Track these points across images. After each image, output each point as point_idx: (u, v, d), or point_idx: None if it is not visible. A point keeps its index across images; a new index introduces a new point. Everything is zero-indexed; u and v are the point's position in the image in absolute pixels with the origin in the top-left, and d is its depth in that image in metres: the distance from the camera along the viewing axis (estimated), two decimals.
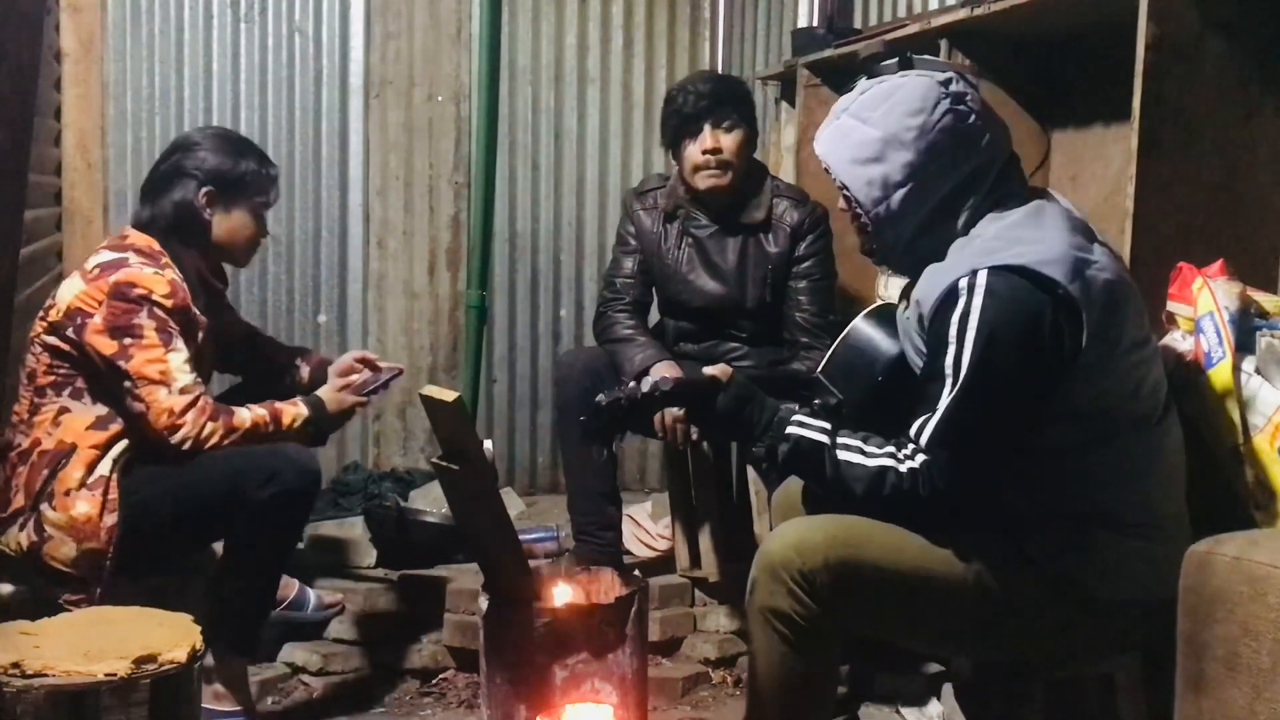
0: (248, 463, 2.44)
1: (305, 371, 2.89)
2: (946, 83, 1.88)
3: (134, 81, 3.83)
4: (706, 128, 2.89)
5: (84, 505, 2.41)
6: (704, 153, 2.90)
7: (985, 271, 1.77)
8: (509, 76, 4.09)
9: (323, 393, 2.67)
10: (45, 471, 2.42)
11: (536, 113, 4.21)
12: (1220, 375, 1.99)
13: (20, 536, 2.42)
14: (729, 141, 2.90)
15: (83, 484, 2.41)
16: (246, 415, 2.49)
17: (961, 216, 1.88)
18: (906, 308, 1.97)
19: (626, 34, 4.28)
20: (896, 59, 1.94)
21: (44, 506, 2.42)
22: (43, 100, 3.24)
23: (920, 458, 1.79)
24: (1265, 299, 2.07)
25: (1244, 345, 1.99)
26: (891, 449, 1.83)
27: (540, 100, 4.21)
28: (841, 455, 1.85)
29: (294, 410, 2.56)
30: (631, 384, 1.99)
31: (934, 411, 1.78)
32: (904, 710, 2.70)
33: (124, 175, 3.83)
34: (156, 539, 2.47)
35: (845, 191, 1.94)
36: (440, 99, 4.08)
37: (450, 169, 4.11)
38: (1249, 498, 1.95)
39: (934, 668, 2.72)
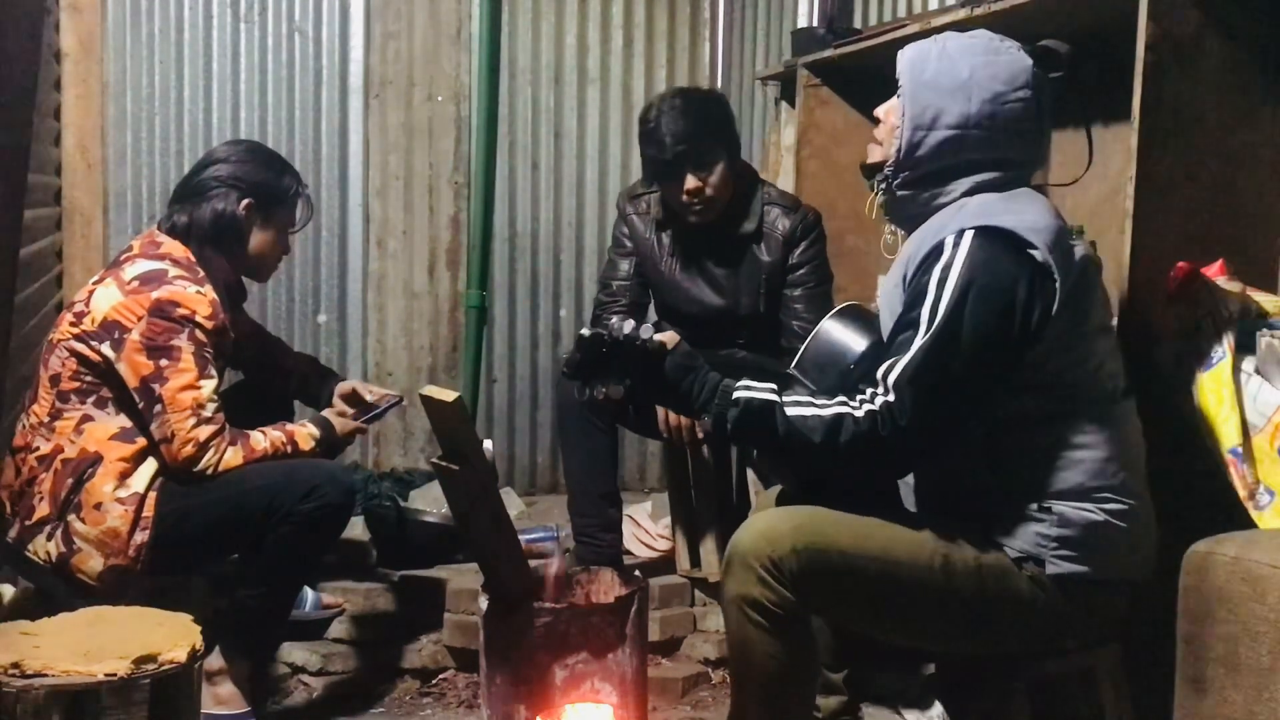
0: (288, 476, 2.46)
1: (314, 383, 2.91)
2: (1040, 78, 1.95)
3: (134, 81, 3.83)
4: (688, 174, 2.84)
5: (114, 520, 2.41)
6: (687, 193, 2.87)
7: (971, 231, 1.85)
8: (509, 76, 4.09)
9: (329, 414, 2.71)
10: (70, 480, 2.42)
11: (536, 113, 4.21)
12: (1220, 375, 1.99)
13: (49, 546, 2.43)
14: (712, 179, 2.86)
15: (114, 498, 2.42)
16: (264, 441, 2.51)
17: (963, 186, 1.96)
18: (899, 262, 2.01)
19: (626, 34, 4.28)
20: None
21: (72, 518, 2.41)
22: (43, 100, 3.24)
23: (880, 400, 1.82)
24: (1265, 299, 2.07)
25: (1244, 345, 1.99)
26: (843, 398, 1.86)
27: (540, 100, 4.20)
28: (791, 411, 1.86)
29: (306, 432, 2.60)
30: (614, 320, 1.97)
31: (904, 354, 1.83)
32: (904, 710, 2.70)
33: (124, 175, 3.83)
34: (186, 548, 2.48)
35: (897, 99, 2.00)
36: (440, 99, 4.08)
37: (450, 169, 4.11)
38: (1249, 498, 1.95)
39: (934, 668, 2.72)
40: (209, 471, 2.44)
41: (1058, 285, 1.82)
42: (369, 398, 2.86)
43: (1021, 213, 1.88)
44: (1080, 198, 2.82)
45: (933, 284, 1.84)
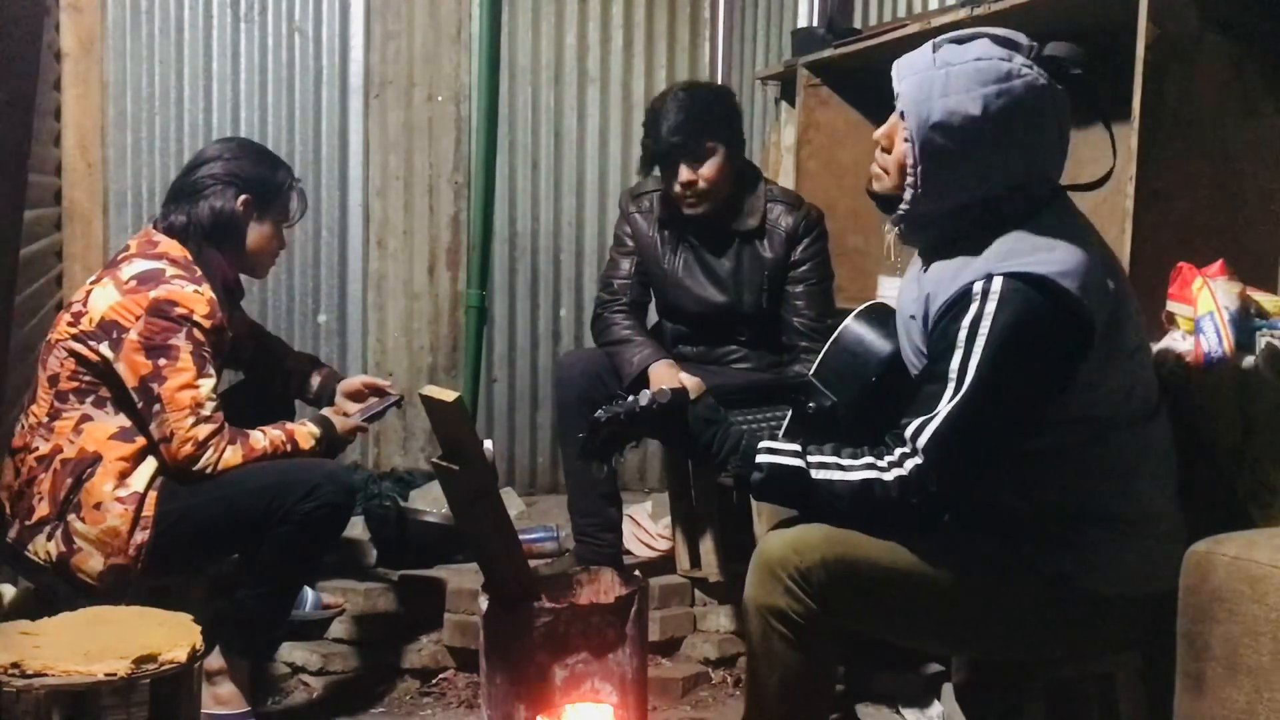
0: (287, 476, 2.47)
1: (316, 383, 2.90)
2: (1055, 92, 1.83)
3: (134, 81, 3.83)
4: (682, 166, 2.87)
5: (114, 519, 2.41)
6: (681, 184, 2.89)
7: (1000, 278, 1.75)
8: (509, 76, 4.09)
9: (329, 413, 2.71)
10: (69, 480, 2.42)
11: (536, 113, 4.20)
12: (1220, 375, 1.99)
13: (49, 546, 2.42)
14: (706, 170, 2.88)
15: (114, 497, 2.41)
16: (263, 440, 2.51)
17: (993, 215, 1.84)
18: (915, 297, 1.93)
19: (626, 34, 4.27)
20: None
21: (72, 517, 2.41)
22: (43, 100, 3.24)
23: (910, 463, 1.77)
24: (1265, 299, 2.07)
25: (1244, 345, 1.99)
26: (870, 459, 1.81)
27: (540, 100, 4.20)
28: (818, 475, 1.82)
29: (306, 431, 2.60)
30: (630, 399, 1.96)
31: (933, 415, 1.77)
32: (904, 710, 2.70)
33: (124, 175, 3.83)
34: (187, 547, 2.48)
35: (907, 140, 1.84)
36: (440, 99, 4.08)
37: (450, 169, 4.11)
38: (1249, 498, 1.95)
39: (934, 668, 2.73)
40: (208, 470, 2.44)
41: (1094, 330, 1.76)
42: (383, 384, 2.85)
43: (1052, 249, 1.78)
44: (1080, 197, 2.81)
45: (962, 337, 1.75)
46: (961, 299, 1.78)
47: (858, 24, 3.62)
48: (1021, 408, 1.78)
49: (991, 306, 1.74)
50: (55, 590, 2.44)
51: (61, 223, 3.59)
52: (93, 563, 2.41)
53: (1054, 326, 1.74)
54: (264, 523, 2.43)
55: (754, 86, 4.20)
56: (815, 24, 3.69)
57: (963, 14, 2.67)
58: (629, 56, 4.28)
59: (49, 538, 2.43)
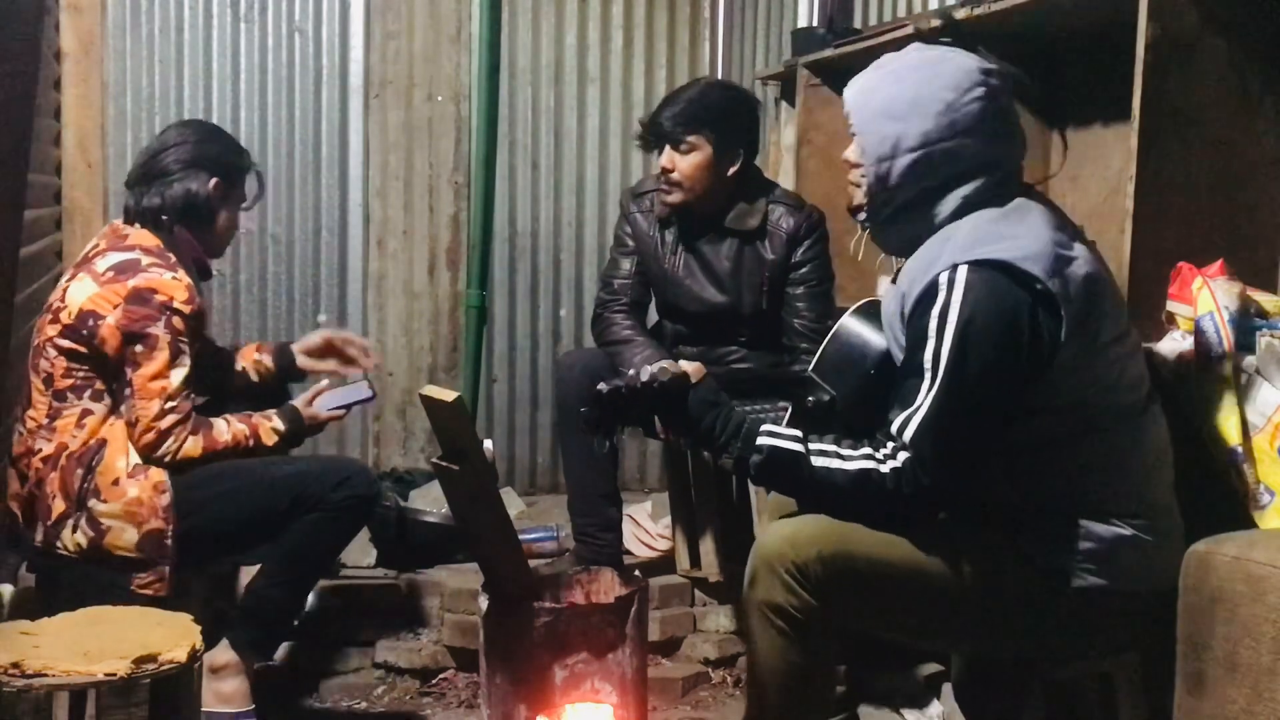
0: (315, 465, 2.50)
1: (270, 362, 2.86)
2: (989, 72, 1.90)
3: (134, 81, 3.83)
4: (666, 148, 2.91)
5: (135, 489, 2.41)
6: (661, 169, 2.92)
7: (965, 267, 1.79)
8: (509, 76, 4.09)
9: (299, 404, 2.67)
10: (79, 470, 2.42)
11: (536, 113, 4.21)
12: (1220, 375, 1.99)
13: (76, 537, 2.42)
14: (683, 163, 2.89)
15: (129, 470, 2.42)
16: (226, 431, 2.51)
17: (950, 204, 1.89)
18: (894, 296, 1.96)
19: (626, 34, 4.28)
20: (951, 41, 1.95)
21: (92, 503, 2.41)
22: (43, 100, 3.24)
23: (902, 455, 1.79)
24: (1265, 299, 2.07)
25: (1244, 345, 1.99)
26: (868, 449, 1.82)
27: (540, 100, 4.21)
28: (818, 462, 1.83)
29: (269, 426, 2.57)
30: (631, 373, 1.97)
31: (915, 407, 1.79)
32: (904, 710, 2.70)
33: (124, 175, 3.79)
34: (215, 537, 2.47)
35: (855, 137, 1.95)
36: (440, 99, 4.08)
37: (450, 169, 4.11)
38: (1249, 498, 1.95)
39: (934, 667, 2.73)
40: (167, 459, 2.44)
41: (1063, 312, 1.77)
42: (350, 351, 2.84)
43: (1015, 237, 1.82)
44: (1080, 198, 2.82)
45: (932, 327, 1.79)
46: (930, 291, 1.81)
47: (858, 24, 3.62)
48: (999, 393, 1.79)
49: (958, 295, 1.78)
50: (92, 580, 2.41)
51: (61, 223, 3.60)
52: (127, 536, 2.41)
53: (1020, 308, 1.77)
54: (292, 510, 2.44)
55: (754, 86, 4.20)
56: (815, 24, 3.69)
57: (962, 14, 2.67)
58: (629, 56, 4.28)
59: (74, 529, 2.42)
